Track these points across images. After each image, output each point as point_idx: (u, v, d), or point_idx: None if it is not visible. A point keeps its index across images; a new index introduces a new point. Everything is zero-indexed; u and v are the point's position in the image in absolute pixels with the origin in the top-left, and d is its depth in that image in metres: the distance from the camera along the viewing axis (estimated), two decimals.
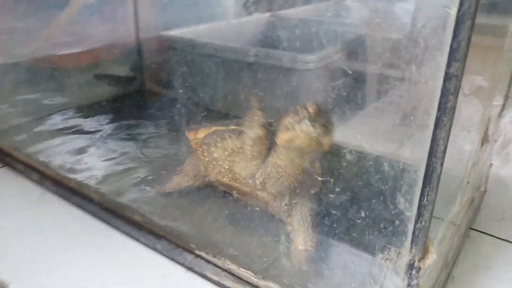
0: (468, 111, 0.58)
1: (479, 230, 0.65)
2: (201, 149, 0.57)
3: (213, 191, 0.58)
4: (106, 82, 1.06)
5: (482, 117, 0.55)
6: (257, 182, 0.50)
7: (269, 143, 0.49)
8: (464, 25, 0.30)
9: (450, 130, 0.33)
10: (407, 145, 0.35)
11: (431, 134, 0.34)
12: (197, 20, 1.09)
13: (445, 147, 0.34)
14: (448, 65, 0.31)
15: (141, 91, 1.10)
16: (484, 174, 0.67)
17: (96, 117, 0.94)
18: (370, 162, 0.41)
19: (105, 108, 0.98)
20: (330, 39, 0.91)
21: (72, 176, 0.73)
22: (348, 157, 0.42)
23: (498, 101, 0.62)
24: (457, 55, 0.31)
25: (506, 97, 0.64)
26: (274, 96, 0.87)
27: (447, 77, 0.32)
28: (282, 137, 0.44)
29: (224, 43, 0.94)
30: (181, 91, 0.97)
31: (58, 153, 0.81)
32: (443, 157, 0.34)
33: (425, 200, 0.36)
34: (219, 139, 0.53)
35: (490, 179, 0.73)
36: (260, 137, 0.49)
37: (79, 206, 0.70)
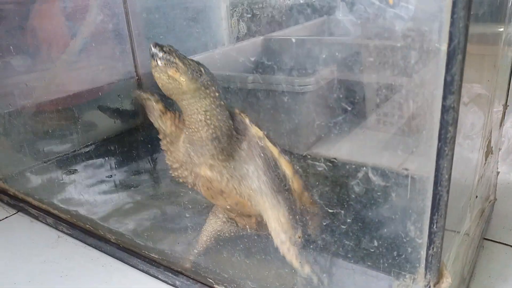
0: (469, 122, 0.59)
1: (492, 239, 0.65)
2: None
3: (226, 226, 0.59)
4: (109, 115, 1.08)
5: (484, 129, 0.55)
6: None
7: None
8: (455, 60, 0.31)
9: (452, 159, 0.34)
10: (413, 174, 0.36)
11: (434, 164, 0.35)
12: (193, 50, 1.12)
13: (449, 176, 0.35)
14: (444, 97, 0.33)
15: (144, 126, 1.12)
16: (492, 183, 0.68)
17: (104, 155, 0.96)
18: (378, 193, 0.42)
19: (113, 144, 1.00)
20: (325, 59, 0.93)
21: (87, 216, 0.75)
22: (356, 188, 0.43)
23: (497, 109, 0.63)
24: (451, 88, 0.32)
25: (506, 106, 0.65)
26: (276, 119, 0.89)
27: (444, 109, 0.33)
28: None
29: (221, 73, 0.96)
30: None
31: (70, 195, 0.83)
32: (448, 185, 0.35)
33: (434, 227, 0.36)
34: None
35: (499, 186, 0.74)
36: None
37: (96, 247, 0.71)
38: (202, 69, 0.50)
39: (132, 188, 0.84)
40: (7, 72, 0.94)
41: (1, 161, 0.90)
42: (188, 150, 0.53)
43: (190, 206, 0.70)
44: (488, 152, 0.56)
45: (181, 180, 0.56)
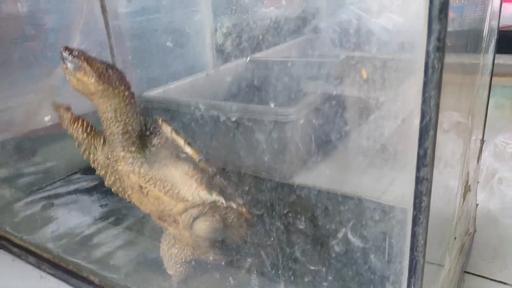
0: (448, 153, 0.60)
1: (473, 273, 0.66)
2: None
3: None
4: None
5: (462, 163, 0.57)
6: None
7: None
8: (427, 135, 0.32)
9: (427, 224, 0.35)
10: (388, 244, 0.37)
11: (410, 230, 0.35)
12: (178, 74, 1.12)
13: (425, 241, 0.36)
14: (418, 169, 0.33)
15: None
16: (471, 215, 0.69)
17: (91, 185, 0.95)
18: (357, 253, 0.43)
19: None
20: (309, 86, 0.94)
21: (68, 257, 0.73)
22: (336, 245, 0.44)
23: (475, 144, 0.65)
24: (424, 161, 0.33)
25: (482, 141, 0.67)
26: (260, 147, 0.89)
27: (418, 180, 0.34)
28: None
29: (200, 100, 0.96)
30: None
31: (53, 233, 0.81)
32: (424, 249, 0.36)
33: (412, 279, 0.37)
34: None
35: (478, 215, 0.75)
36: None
37: None
38: (110, 71, 0.53)
39: (115, 222, 0.83)
40: None
41: None
42: (105, 150, 0.56)
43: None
44: (466, 191, 0.57)
45: (114, 190, 0.58)
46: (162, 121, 0.55)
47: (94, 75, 0.50)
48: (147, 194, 0.55)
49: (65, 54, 0.50)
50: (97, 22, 1.01)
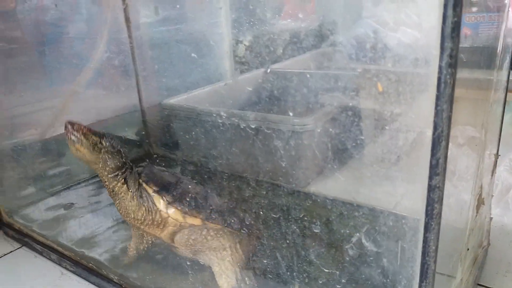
0: (462, 168, 0.61)
1: (486, 285, 0.67)
2: None
3: None
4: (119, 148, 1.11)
5: (475, 177, 0.57)
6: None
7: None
8: (439, 146, 0.34)
9: (439, 231, 0.37)
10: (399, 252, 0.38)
11: (422, 236, 0.37)
12: (197, 83, 1.15)
13: (436, 247, 0.37)
14: (430, 178, 0.35)
15: (149, 155, 1.14)
16: (485, 229, 0.69)
17: None
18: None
19: None
20: (325, 97, 0.96)
21: (89, 255, 0.76)
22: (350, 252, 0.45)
23: (489, 158, 0.65)
24: (436, 170, 0.35)
25: (497, 156, 0.68)
26: (276, 156, 0.91)
27: (430, 189, 0.35)
28: None
29: (220, 109, 0.99)
30: (186, 154, 1.02)
31: (74, 232, 0.85)
32: (435, 255, 0.37)
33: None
34: None
35: (492, 230, 0.75)
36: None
37: (99, 286, 0.72)
38: (103, 142, 0.64)
39: None
40: (13, 103, 0.97)
41: (7, 194, 0.92)
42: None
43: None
44: (480, 204, 0.58)
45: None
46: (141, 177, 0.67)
47: (89, 147, 0.62)
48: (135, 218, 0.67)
49: (69, 127, 0.61)
50: (120, 31, 1.05)
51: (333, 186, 0.88)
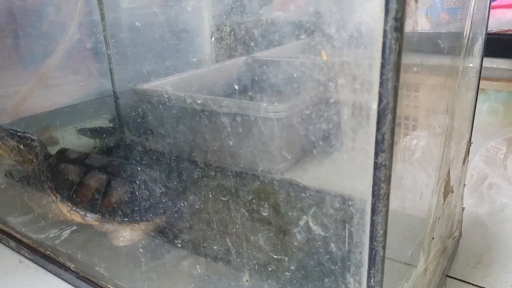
0: (423, 156, 0.59)
1: (455, 277, 0.64)
2: None
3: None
4: (89, 136, 1.08)
5: (439, 166, 0.55)
6: None
7: None
8: (385, 119, 0.31)
9: (387, 214, 0.34)
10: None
11: (369, 219, 0.34)
12: (174, 69, 1.12)
13: (385, 231, 0.34)
14: (376, 155, 0.32)
15: (122, 142, 1.11)
16: (456, 219, 0.67)
17: None
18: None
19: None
20: (301, 83, 0.93)
21: (46, 242, 0.73)
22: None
23: (459, 145, 0.63)
24: (382, 147, 0.32)
25: (469, 143, 0.65)
26: (250, 144, 0.89)
27: (376, 167, 0.32)
28: None
29: (191, 94, 0.96)
30: (156, 142, 0.99)
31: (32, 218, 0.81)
32: (384, 240, 0.35)
33: (372, 281, 0.36)
34: None
35: (466, 221, 0.73)
36: None
37: (56, 274, 0.70)
38: (20, 146, 0.78)
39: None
40: None
41: None
42: None
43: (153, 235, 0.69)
44: (447, 192, 0.56)
45: None
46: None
47: (7, 150, 0.77)
48: None
49: None
50: (92, 13, 1.01)
51: (307, 174, 0.86)
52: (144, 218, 0.68)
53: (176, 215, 0.70)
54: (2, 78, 0.99)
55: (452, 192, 0.59)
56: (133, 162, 0.98)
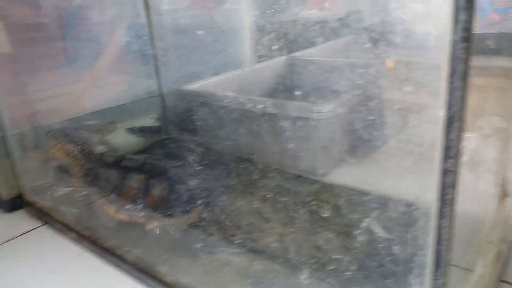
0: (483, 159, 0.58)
1: (510, 282, 0.63)
2: None
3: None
4: (138, 134, 1.13)
5: (498, 171, 0.54)
6: None
7: None
8: (452, 127, 0.32)
9: (453, 218, 0.34)
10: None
11: (434, 223, 0.35)
12: (216, 69, 1.15)
13: (451, 235, 0.35)
14: (443, 161, 0.33)
15: (168, 140, 1.15)
16: (511, 223, 0.66)
17: None
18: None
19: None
20: (346, 84, 0.93)
21: (106, 235, 0.78)
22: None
23: None
24: (449, 153, 0.32)
25: None
26: (292, 144, 0.90)
27: (443, 172, 0.33)
28: None
29: (237, 95, 0.98)
30: (203, 140, 1.02)
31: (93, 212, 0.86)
32: (450, 243, 0.35)
33: (436, 283, 0.37)
34: None
35: None
36: None
37: (115, 265, 0.74)
38: (75, 151, 0.83)
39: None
40: (36, 88, 0.99)
41: (31, 175, 0.95)
42: None
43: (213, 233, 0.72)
44: (503, 195, 0.55)
45: None
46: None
47: (65, 155, 0.83)
48: None
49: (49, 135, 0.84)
50: (140, 16, 1.05)
51: (351, 176, 0.86)
52: (185, 211, 0.72)
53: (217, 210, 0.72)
54: (51, 78, 1.05)
55: (507, 196, 0.57)
56: (178, 158, 1.02)
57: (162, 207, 0.73)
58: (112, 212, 0.77)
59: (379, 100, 0.74)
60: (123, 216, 0.76)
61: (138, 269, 0.70)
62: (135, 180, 0.76)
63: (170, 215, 0.72)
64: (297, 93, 0.98)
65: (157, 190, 0.74)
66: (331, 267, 0.46)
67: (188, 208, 0.71)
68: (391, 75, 0.41)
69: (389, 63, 0.36)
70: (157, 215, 0.73)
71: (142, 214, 0.74)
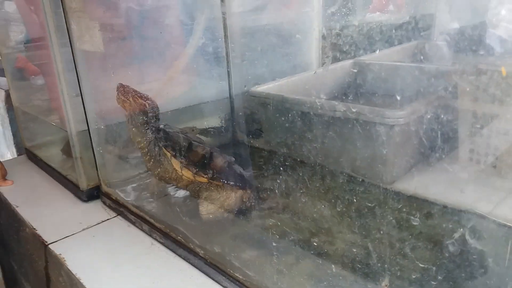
0: None
1: None
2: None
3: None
4: (208, 136, 1.16)
5: None
6: None
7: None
8: None
9: None
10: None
11: None
12: (283, 72, 1.15)
13: None
14: None
15: (236, 142, 1.17)
16: None
17: None
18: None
19: None
20: (418, 90, 0.90)
21: (178, 228, 0.80)
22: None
23: None
24: None
25: None
26: (362, 149, 0.87)
27: None
28: None
29: (308, 98, 0.97)
30: (270, 143, 1.02)
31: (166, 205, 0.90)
32: None
33: None
34: None
35: None
36: None
37: (185, 259, 0.75)
38: (147, 104, 0.85)
39: None
40: (112, 86, 1.05)
41: (109, 167, 1.01)
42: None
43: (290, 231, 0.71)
44: None
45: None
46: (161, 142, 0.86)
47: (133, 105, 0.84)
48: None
49: (121, 89, 0.84)
50: (216, 19, 1.08)
51: (420, 185, 0.82)
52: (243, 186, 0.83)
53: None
54: (123, 77, 1.10)
55: None
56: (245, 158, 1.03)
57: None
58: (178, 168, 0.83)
59: (455, 107, 0.71)
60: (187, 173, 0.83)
61: (207, 264, 0.71)
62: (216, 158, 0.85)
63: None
64: (358, 97, 0.96)
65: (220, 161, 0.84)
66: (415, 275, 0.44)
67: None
68: (505, 83, 0.39)
69: (504, 71, 0.34)
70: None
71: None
